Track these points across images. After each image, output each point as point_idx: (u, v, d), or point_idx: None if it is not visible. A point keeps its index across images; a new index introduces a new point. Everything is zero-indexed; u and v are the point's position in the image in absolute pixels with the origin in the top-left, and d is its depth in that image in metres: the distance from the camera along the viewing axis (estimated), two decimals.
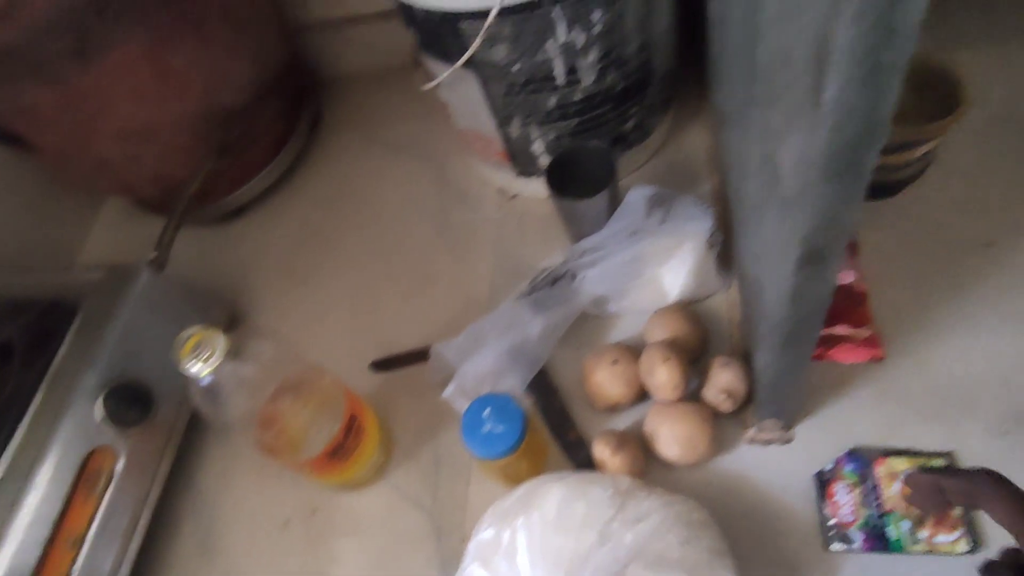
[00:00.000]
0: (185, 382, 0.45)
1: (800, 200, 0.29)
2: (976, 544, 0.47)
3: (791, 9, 0.23)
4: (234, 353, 0.45)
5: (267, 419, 0.50)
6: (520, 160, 0.69)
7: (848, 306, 0.58)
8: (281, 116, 0.83)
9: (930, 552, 0.47)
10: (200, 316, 0.69)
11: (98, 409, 0.56)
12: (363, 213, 0.81)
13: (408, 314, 0.70)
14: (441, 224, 0.76)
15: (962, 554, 0.47)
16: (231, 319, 0.74)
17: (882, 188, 0.62)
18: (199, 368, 0.44)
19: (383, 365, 0.66)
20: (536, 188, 0.69)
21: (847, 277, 0.59)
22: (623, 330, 0.62)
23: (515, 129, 0.64)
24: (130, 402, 0.59)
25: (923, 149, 0.58)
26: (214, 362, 0.44)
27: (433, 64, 0.61)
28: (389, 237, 0.77)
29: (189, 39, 0.66)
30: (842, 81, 0.22)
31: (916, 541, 0.48)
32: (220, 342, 0.44)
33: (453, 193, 0.78)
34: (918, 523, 0.48)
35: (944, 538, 0.47)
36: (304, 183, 0.87)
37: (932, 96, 0.58)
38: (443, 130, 0.79)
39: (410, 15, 0.57)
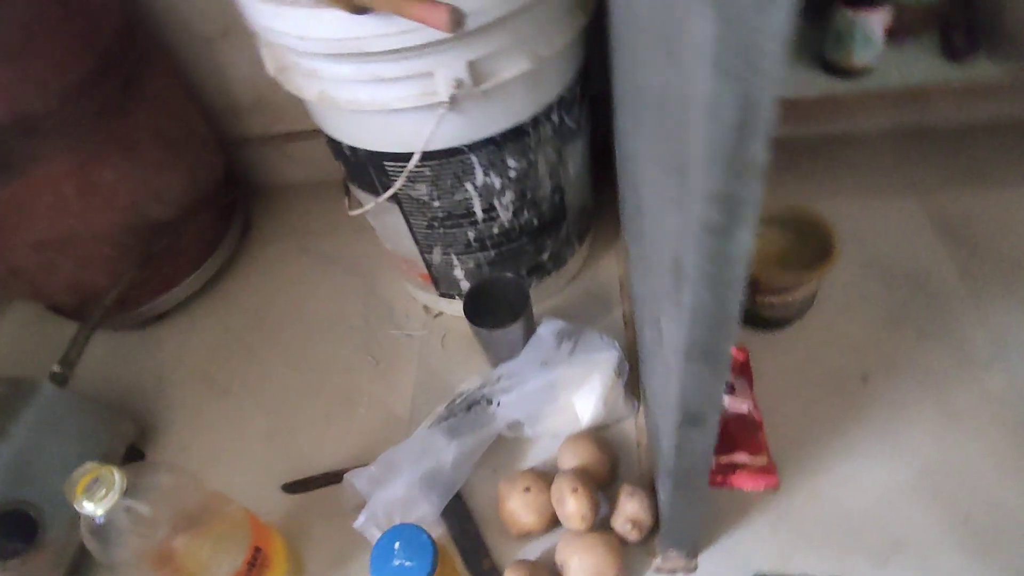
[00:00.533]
0: (78, 514, 0.43)
1: (676, 371, 0.32)
2: None
3: (657, 228, 0.27)
4: (131, 490, 0.44)
5: (163, 557, 0.48)
6: (443, 283, 0.72)
7: (746, 435, 0.61)
8: (211, 225, 0.84)
9: None
10: (106, 433, 0.66)
11: None
12: (289, 324, 0.81)
13: (327, 432, 0.69)
14: (367, 339, 0.77)
15: None
16: (141, 432, 0.71)
17: (774, 322, 0.68)
18: (92, 508, 0.42)
19: (296, 487, 0.65)
20: (458, 308, 0.71)
21: (744, 406, 0.63)
22: (538, 454, 0.64)
23: (437, 256, 0.67)
24: (9, 532, 0.55)
25: (804, 291, 0.64)
26: (108, 502, 0.42)
27: (359, 193, 0.64)
28: (314, 350, 0.78)
29: (118, 158, 0.68)
30: (693, 290, 0.26)
31: None
32: (116, 480, 0.43)
33: (380, 307, 0.80)
34: None
35: None
36: (230, 291, 0.86)
37: (812, 243, 0.65)
38: (372, 246, 0.81)
39: (338, 150, 0.60)
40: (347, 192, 0.69)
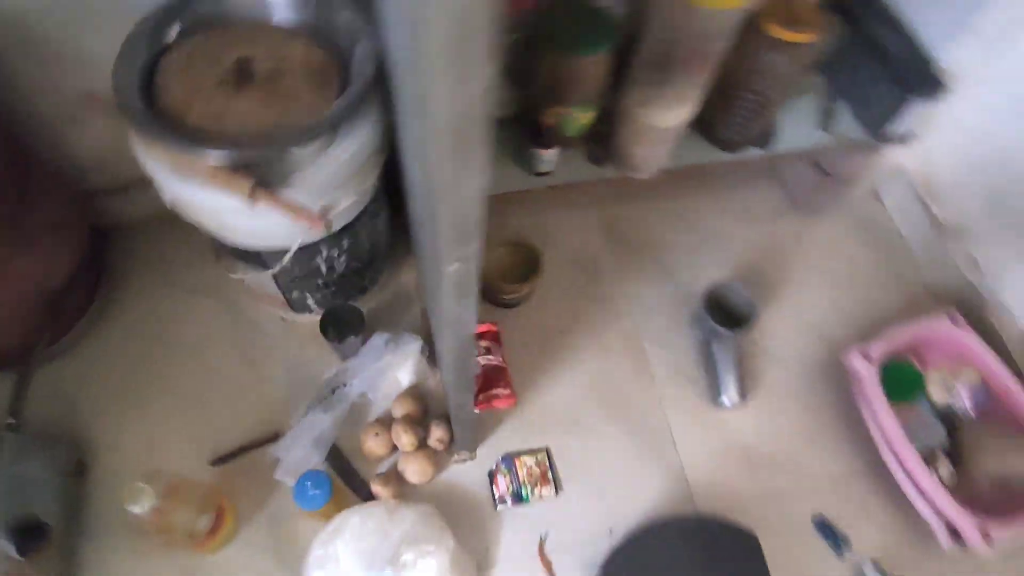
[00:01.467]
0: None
1: (447, 344, 0.73)
2: (558, 490, 0.99)
3: (430, 264, 0.66)
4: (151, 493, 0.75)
5: (165, 525, 0.80)
6: (297, 306, 1.04)
7: (498, 376, 1.07)
8: (91, 271, 1.04)
9: (541, 499, 0.99)
10: (60, 456, 0.91)
11: None
12: (176, 346, 1.07)
13: (229, 418, 1.01)
14: (243, 346, 1.07)
15: (553, 496, 0.99)
16: (84, 447, 0.96)
17: (513, 304, 1.13)
18: (137, 508, 0.73)
19: (220, 461, 0.97)
20: (309, 319, 1.05)
21: (496, 360, 1.08)
22: (378, 410, 1.03)
23: (294, 295, 1.00)
24: (26, 536, 0.82)
25: (526, 288, 1.09)
26: (146, 503, 0.74)
27: (237, 262, 0.93)
28: (202, 359, 1.06)
29: (21, 252, 0.87)
30: (447, 300, 0.66)
31: (535, 496, 0.99)
32: (145, 491, 0.74)
33: (248, 323, 1.09)
34: (536, 485, 0.99)
35: (545, 491, 0.99)
36: (121, 321, 1.08)
37: (529, 258, 1.09)
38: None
39: (222, 246, 0.89)
40: (218, 258, 0.97)
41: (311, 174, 0.76)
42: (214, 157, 0.70)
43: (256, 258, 0.89)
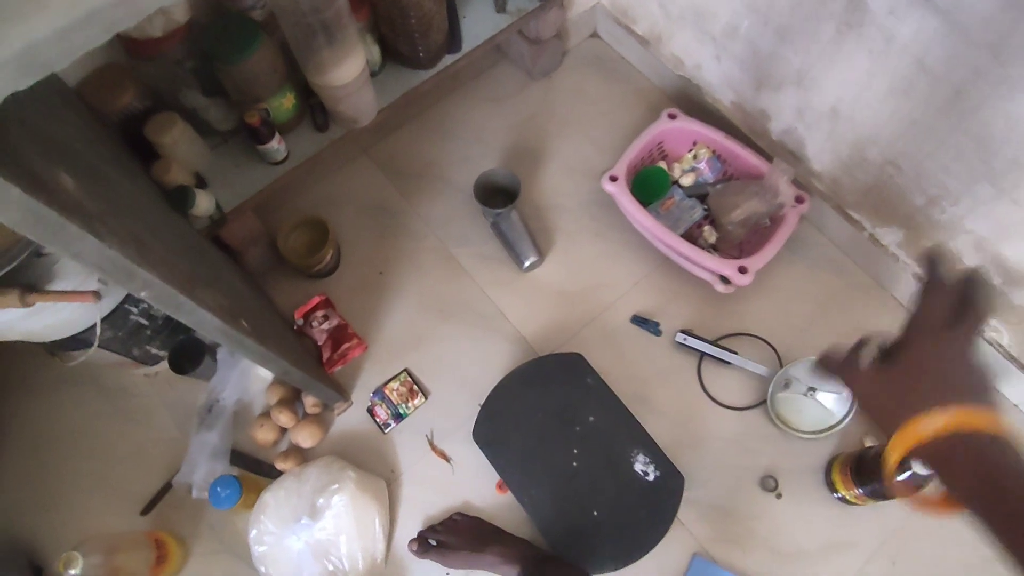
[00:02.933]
0: None
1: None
2: (427, 396, 1.18)
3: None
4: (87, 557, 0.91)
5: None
6: (148, 360, 1.17)
7: (342, 334, 1.23)
8: None
9: (416, 409, 1.18)
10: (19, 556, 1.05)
11: None
12: (67, 438, 1.19)
13: (143, 475, 1.15)
14: (125, 413, 1.20)
15: (425, 402, 1.18)
16: (34, 553, 1.10)
17: (327, 273, 1.28)
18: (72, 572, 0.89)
19: (148, 508, 1.12)
20: (164, 366, 1.18)
21: (335, 322, 1.24)
22: (256, 405, 1.19)
23: (136, 352, 1.12)
24: None
25: (328, 255, 1.23)
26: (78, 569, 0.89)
27: (69, 352, 1.05)
28: (97, 441, 1.18)
29: None
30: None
31: (410, 408, 1.18)
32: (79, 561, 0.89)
33: (117, 392, 1.22)
34: (407, 400, 1.18)
35: (417, 401, 1.18)
36: (7, 439, 1.19)
37: (320, 229, 1.23)
38: None
39: (45, 344, 1.00)
40: (53, 354, 1.08)
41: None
42: None
43: (79, 340, 1.01)
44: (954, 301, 0.46)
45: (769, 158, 1.22)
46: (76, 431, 1.20)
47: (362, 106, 1.10)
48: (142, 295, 0.62)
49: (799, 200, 1.18)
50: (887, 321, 1.21)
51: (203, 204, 1.04)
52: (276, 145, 1.08)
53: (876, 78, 0.98)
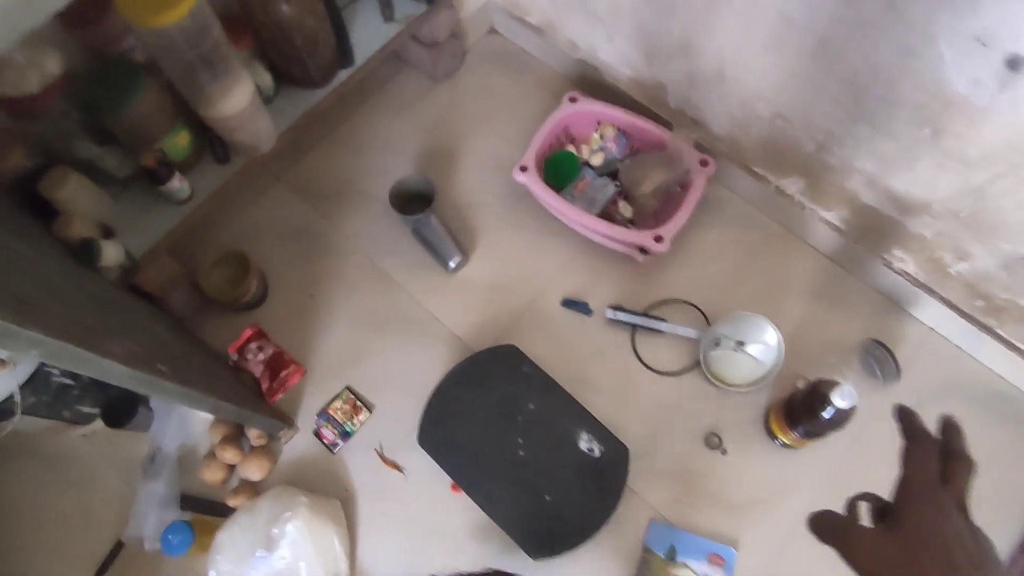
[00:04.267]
0: None
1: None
2: (371, 410, 1.19)
3: None
4: None
5: None
6: (82, 420, 1.15)
7: (279, 362, 1.22)
8: None
9: (362, 424, 1.18)
10: None
11: None
12: (11, 513, 1.16)
13: (95, 537, 1.13)
14: (68, 479, 1.18)
15: (370, 416, 1.18)
16: None
17: (255, 304, 1.27)
18: None
19: (101, 570, 1.11)
20: (97, 424, 1.16)
21: (270, 351, 1.23)
22: (200, 447, 1.18)
23: (67, 414, 1.10)
24: None
25: (254, 286, 1.22)
26: None
27: None
28: (43, 511, 1.16)
29: None
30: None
31: (356, 425, 1.18)
32: None
33: (58, 459, 1.19)
34: (351, 417, 1.18)
35: (362, 416, 1.18)
36: None
37: (241, 261, 1.22)
38: None
39: None
40: None
41: None
42: None
43: (1, 411, 0.99)
44: (939, 454, 0.45)
45: (671, 127, 1.25)
46: (21, 505, 1.17)
47: (260, 133, 1.10)
48: (32, 354, 0.62)
49: (704, 163, 1.21)
50: (803, 267, 1.25)
51: (111, 254, 1.03)
52: (178, 184, 1.07)
53: (750, 36, 1.01)
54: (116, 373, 0.74)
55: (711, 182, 1.23)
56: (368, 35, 1.24)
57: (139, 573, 1.11)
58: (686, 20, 1.09)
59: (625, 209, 1.28)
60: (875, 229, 1.13)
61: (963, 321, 1.12)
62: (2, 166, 0.98)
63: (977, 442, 0.48)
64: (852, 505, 0.49)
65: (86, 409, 1.14)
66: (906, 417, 0.48)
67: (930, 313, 1.17)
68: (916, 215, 1.04)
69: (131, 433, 1.16)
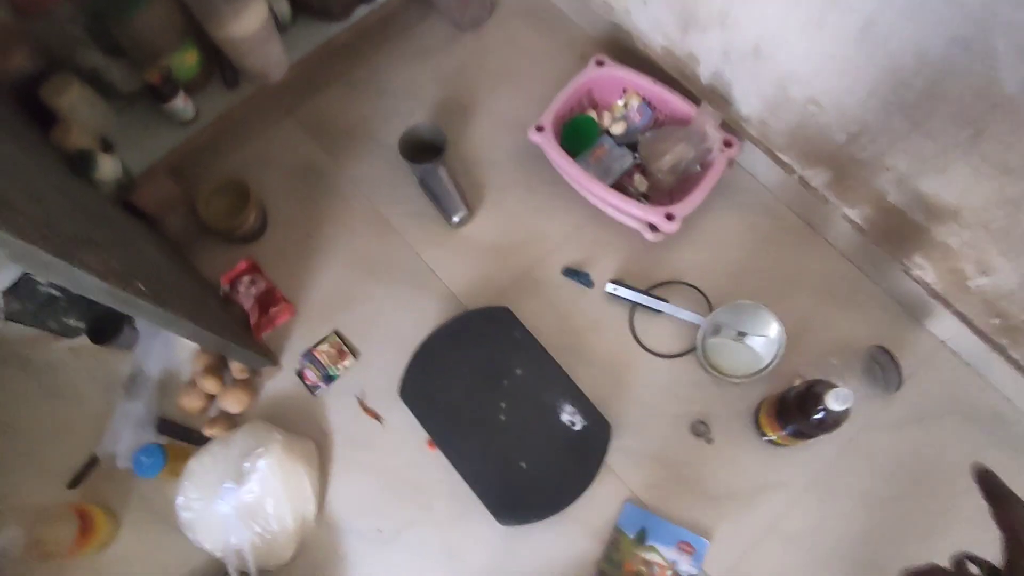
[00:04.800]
0: None
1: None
2: (356, 356, 1.17)
3: None
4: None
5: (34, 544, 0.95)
6: (69, 332, 1.14)
7: (269, 298, 1.21)
8: None
9: (347, 370, 1.16)
10: None
11: None
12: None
13: (72, 450, 1.14)
14: (51, 390, 1.18)
15: (355, 362, 1.17)
16: None
17: (252, 237, 1.24)
18: None
19: (75, 481, 1.11)
20: (83, 339, 1.15)
21: (263, 286, 1.21)
22: (184, 373, 1.17)
23: (52, 324, 1.09)
24: None
25: (252, 217, 1.20)
26: None
27: None
28: (24, 419, 1.16)
29: None
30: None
31: (340, 370, 1.16)
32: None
33: (43, 369, 1.19)
34: (336, 362, 1.16)
35: (347, 362, 1.17)
36: None
37: (242, 192, 1.20)
38: None
39: None
40: None
41: None
42: None
43: None
44: None
45: (699, 103, 1.20)
46: (1, 411, 1.17)
47: (270, 60, 1.07)
48: None
49: (727, 144, 1.16)
50: (818, 263, 1.21)
51: (107, 168, 1.01)
52: (182, 104, 1.04)
53: (791, 11, 0.95)
54: (88, 284, 0.72)
55: (732, 165, 1.18)
56: None
57: (112, 489, 1.11)
58: None
59: (640, 183, 1.24)
60: (898, 232, 1.07)
61: (975, 338, 1.07)
62: (3, 64, 0.96)
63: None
64: (960, 565, 0.49)
65: (72, 322, 1.13)
66: (988, 478, 0.48)
67: (943, 326, 1.13)
68: (943, 222, 0.99)
69: (117, 352, 1.15)
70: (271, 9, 1.03)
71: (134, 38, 0.98)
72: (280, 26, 1.11)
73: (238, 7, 0.95)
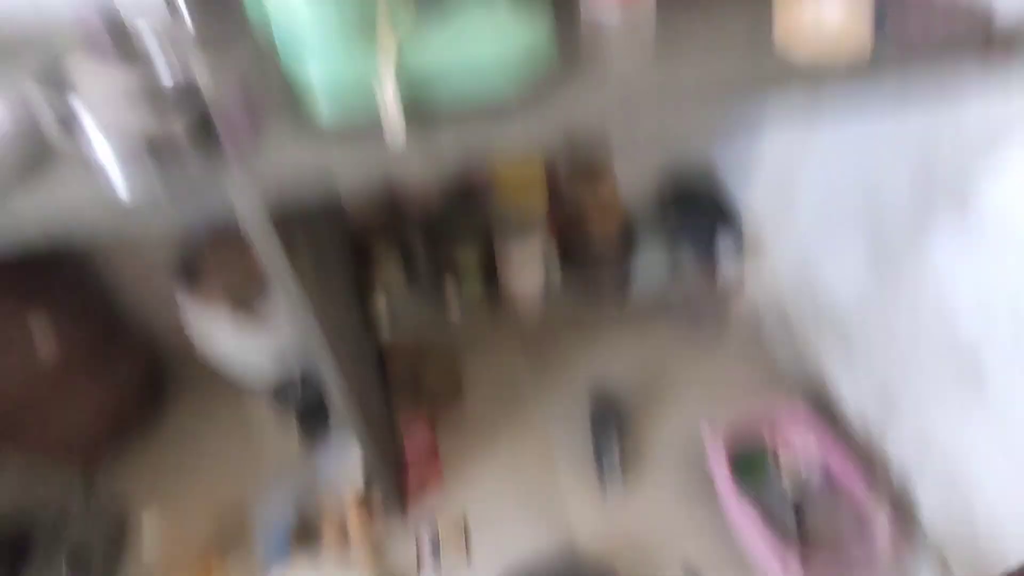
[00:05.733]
0: None
1: None
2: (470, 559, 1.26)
3: None
4: None
5: None
6: (283, 409, 1.44)
7: (433, 464, 1.39)
8: (152, 387, 1.49)
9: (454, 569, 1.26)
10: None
11: None
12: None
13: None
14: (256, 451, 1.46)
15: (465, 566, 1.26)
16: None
17: (439, 403, 1.48)
18: None
19: None
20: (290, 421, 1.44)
21: (433, 449, 1.40)
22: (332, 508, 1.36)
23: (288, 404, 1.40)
24: None
25: (443, 391, 1.44)
26: None
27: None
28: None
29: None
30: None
31: (447, 559, 1.26)
32: None
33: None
34: (451, 551, 1.27)
35: (457, 555, 1.26)
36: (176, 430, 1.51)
37: (452, 367, 1.46)
38: None
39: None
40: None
41: None
42: None
43: None
44: None
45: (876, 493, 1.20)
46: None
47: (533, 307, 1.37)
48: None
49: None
50: None
51: (384, 324, 1.33)
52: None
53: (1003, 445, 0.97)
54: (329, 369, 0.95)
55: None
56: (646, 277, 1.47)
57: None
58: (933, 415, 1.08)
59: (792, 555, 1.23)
60: None
61: None
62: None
63: None
64: None
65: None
66: None
67: None
68: None
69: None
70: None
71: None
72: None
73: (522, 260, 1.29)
